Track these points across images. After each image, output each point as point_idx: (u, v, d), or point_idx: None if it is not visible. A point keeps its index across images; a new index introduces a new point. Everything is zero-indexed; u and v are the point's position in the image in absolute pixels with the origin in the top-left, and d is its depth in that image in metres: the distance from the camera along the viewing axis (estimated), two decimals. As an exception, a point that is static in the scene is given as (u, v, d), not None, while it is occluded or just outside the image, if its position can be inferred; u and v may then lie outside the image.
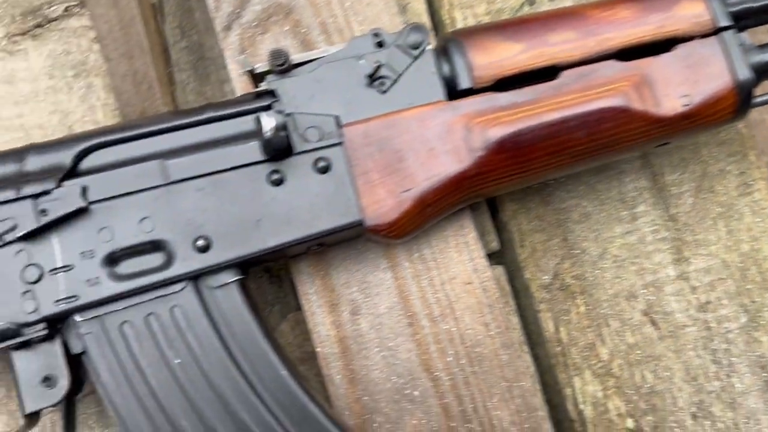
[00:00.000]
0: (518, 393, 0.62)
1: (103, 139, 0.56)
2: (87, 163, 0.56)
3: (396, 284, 0.64)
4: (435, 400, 0.61)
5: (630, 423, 0.67)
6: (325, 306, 0.63)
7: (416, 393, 0.62)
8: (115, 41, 0.63)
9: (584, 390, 0.68)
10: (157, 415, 0.54)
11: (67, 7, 0.69)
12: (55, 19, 0.68)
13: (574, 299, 0.70)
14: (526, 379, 0.62)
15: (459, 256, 0.64)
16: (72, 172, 0.55)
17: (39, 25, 0.68)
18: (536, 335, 0.69)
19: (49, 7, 0.69)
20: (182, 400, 0.54)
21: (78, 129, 0.66)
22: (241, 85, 0.67)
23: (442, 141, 0.57)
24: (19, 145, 0.65)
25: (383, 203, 0.56)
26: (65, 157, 0.56)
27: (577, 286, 0.70)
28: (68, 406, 0.56)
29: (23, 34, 0.68)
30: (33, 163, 0.55)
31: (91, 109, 0.67)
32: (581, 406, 0.67)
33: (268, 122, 0.51)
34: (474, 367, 0.62)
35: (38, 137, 0.66)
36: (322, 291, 0.64)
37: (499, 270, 0.69)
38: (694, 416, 0.67)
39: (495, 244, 0.70)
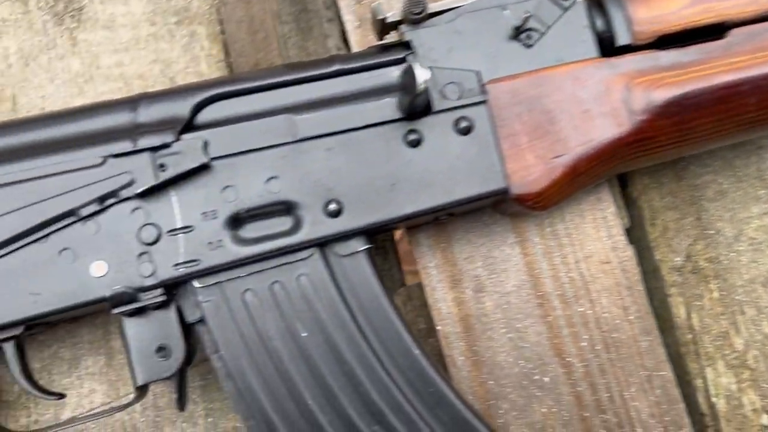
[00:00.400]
0: (658, 383, 0.57)
1: (223, 89, 0.51)
2: (206, 115, 0.51)
3: (525, 261, 0.58)
4: (567, 388, 0.56)
5: (766, 419, 0.62)
6: (446, 281, 0.58)
7: (546, 379, 0.57)
8: (232, -17, 0.58)
9: (717, 382, 0.62)
10: (279, 390, 0.50)
11: (169, -52, 0.63)
12: (156, -39, 0.63)
13: (707, 283, 0.64)
14: (666, 369, 0.57)
15: (596, 232, 0.58)
16: (190, 124, 0.51)
17: (139, -33, 0.63)
18: (665, 321, 0.64)
19: (150, -52, 0.63)
20: (308, 376, 0.50)
21: (180, 80, 0.62)
22: (356, 39, 0.62)
23: (599, 102, 0.51)
24: (119, 96, 0.60)
25: (531, 170, 0.51)
26: (182, 108, 0.51)
27: (711, 270, 0.64)
28: (180, 378, 0.52)
29: (123, -25, 0.63)
30: (147, 113, 0.50)
31: (195, 59, 0.62)
32: (713, 399, 0.62)
33: (423, 74, 0.45)
34: (611, 354, 0.57)
35: (139, 88, 0.61)
36: (443, 265, 0.59)
37: (630, 250, 0.63)
38: (834, 415, 0.62)
39: (626, 221, 0.64)
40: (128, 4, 0.62)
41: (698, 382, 0.62)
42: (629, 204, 0.65)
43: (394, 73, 0.52)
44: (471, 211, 0.58)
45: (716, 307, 0.63)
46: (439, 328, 0.58)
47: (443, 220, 0.56)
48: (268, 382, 0.50)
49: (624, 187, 0.65)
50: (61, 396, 0.53)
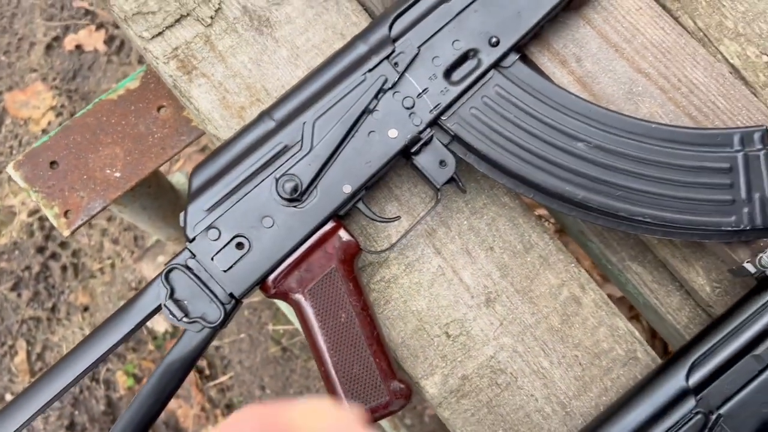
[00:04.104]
0: (702, 58, 0.93)
1: (401, 8, 0.85)
2: (398, 26, 0.85)
3: (595, 31, 0.94)
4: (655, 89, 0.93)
5: None
6: (558, 65, 0.94)
7: (640, 88, 0.93)
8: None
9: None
10: (521, 152, 0.85)
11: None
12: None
13: (698, -2, 1.00)
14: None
15: (627, -6, 0.94)
16: (393, 36, 0.85)
17: (284, -21, 0.96)
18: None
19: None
20: (529, 132, 0.85)
21: (348, 34, 0.95)
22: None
23: None
24: (319, 60, 0.94)
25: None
26: (384, 29, 0.85)
27: (697, -11, 1.00)
28: (457, 174, 0.87)
29: (278, -11, 0.96)
30: (370, 42, 0.85)
31: (347, 16, 0.96)
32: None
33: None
34: (665, 59, 0.93)
35: (328, 49, 0.95)
36: (552, 56, 0.94)
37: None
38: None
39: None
40: (291, 3, 0.96)
41: (721, 56, 0.99)
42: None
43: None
44: (554, 18, 0.92)
45: (710, 9, 1.00)
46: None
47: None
48: (512, 151, 0.85)
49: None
50: (398, 218, 0.89)
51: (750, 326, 0.82)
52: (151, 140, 1.02)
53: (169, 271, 0.81)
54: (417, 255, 0.93)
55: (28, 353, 1.94)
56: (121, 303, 2.11)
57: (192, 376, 2.07)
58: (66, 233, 0.99)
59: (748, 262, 0.84)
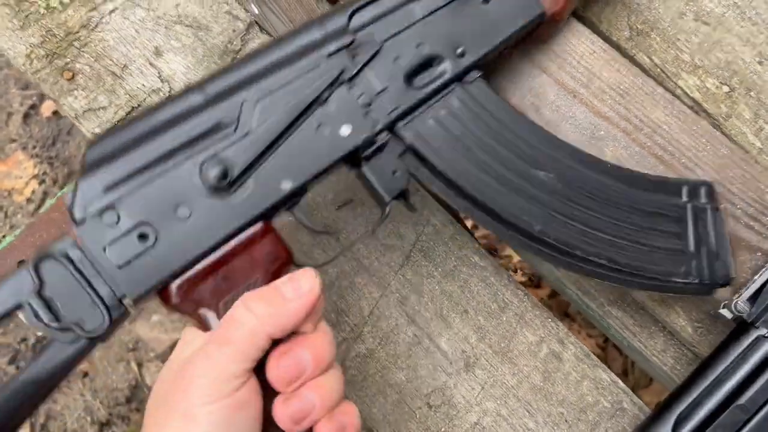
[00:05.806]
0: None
1: (363, 1, 0.77)
2: (359, 18, 0.76)
3: (551, 79, 0.91)
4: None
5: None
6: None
7: (602, 132, 0.90)
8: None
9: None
10: (479, 174, 0.77)
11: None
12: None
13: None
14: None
15: (576, 39, 0.93)
16: (353, 27, 0.75)
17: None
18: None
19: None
20: (489, 153, 0.78)
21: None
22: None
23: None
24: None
25: (553, -4, 0.83)
26: (343, 18, 0.75)
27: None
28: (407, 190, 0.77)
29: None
30: (328, 28, 0.74)
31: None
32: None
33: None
34: (624, 100, 0.91)
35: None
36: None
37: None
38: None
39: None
40: None
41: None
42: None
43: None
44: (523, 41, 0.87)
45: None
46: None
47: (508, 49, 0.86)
48: (469, 166, 0.77)
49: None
50: (337, 233, 0.76)
51: (732, 375, 0.77)
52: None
53: (42, 258, 0.62)
54: (391, 326, 0.85)
55: (32, 424, 1.87)
56: (120, 366, 1.90)
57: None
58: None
59: (724, 307, 0.79)
